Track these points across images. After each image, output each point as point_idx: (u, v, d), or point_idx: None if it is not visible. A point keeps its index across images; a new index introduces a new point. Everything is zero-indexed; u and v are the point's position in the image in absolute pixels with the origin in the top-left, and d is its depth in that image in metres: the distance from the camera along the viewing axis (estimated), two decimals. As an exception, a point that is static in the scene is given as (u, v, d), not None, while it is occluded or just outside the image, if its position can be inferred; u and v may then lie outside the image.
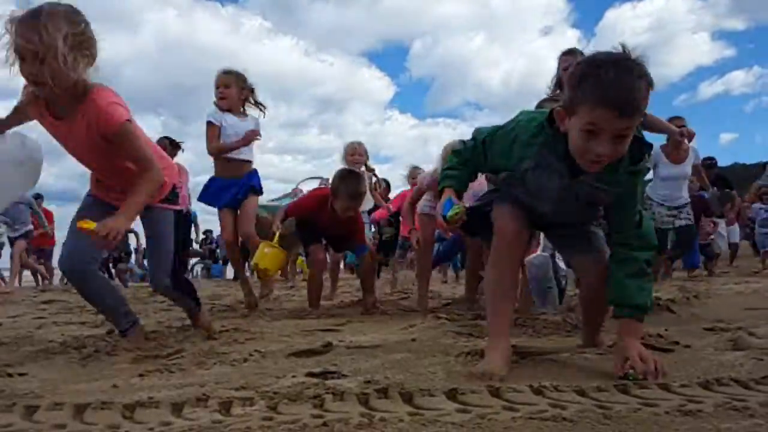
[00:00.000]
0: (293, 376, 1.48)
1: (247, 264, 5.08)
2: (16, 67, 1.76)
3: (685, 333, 2.07)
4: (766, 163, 8.23)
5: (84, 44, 1.82)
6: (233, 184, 3.46)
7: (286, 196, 6.29)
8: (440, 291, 4.86)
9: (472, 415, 1.11)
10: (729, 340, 1.85)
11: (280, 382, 1.41)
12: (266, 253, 3.20)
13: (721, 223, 7.00)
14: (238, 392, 1.32)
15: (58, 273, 8.09)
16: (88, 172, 2.14)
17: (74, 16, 1.80)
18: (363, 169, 4.51)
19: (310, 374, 1.50)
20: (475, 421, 1.07)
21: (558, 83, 2.95)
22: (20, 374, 1.66)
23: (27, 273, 9.46)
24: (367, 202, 4.35)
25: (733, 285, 4.46)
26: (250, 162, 3.54)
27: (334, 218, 3.27)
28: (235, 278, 6.03)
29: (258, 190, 3.54)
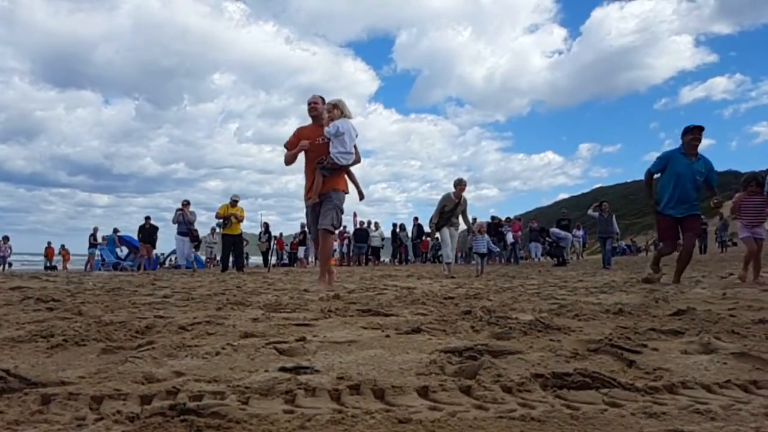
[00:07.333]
0: (265, 371, 1.47)
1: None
2: None
3: (653, 336, 2.12)
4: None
5: None
6: None
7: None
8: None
9: (443, 413, 1.12)
10: (695, 344, 1.90)
11: (252, 377, 1.40)
12: None
13: None
14: (209, 386, 1.31)
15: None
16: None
17: None
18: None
19: (283, 369, 1.49)
20: (445, 419, 1.08)
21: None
22: (-16, 363, 1.61)
23: None
24: None
25: (701, 290, 4.57)
26: None
27: None
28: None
29: None
